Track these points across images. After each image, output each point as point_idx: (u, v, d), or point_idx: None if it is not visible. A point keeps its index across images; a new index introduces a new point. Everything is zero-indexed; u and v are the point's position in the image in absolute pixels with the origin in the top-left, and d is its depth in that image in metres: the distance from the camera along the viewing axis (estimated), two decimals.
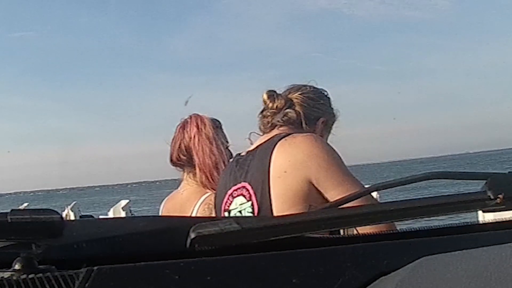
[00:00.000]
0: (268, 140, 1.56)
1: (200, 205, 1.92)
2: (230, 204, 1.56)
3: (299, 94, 1.64)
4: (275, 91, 1.66)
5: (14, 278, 0.52)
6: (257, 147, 1.58)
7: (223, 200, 1.60)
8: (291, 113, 1.61)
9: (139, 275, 0.54)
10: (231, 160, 1.73)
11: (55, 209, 0.61)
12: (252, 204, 1.49)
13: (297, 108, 1.62)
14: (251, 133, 1.69)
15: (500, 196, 0.64)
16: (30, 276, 0.52)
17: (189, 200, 1.98)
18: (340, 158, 1.48)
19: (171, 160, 2.05)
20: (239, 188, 1.54)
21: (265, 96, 1.65)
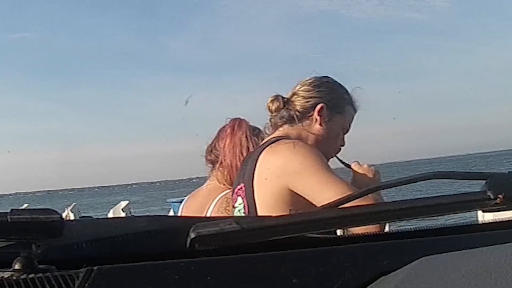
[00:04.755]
0: (262, 144, 1.63)
1: (217, 201, 1.97)
2: (235, 201, 1.65)
3: (298, 89, 1.68)
4: (278, 95, 1.70)
5: (14, 278, 0.52)
6: (256, 149, 1.65)
7: (232, 196, 1.69)
8: (285, 112, 1.66)
9: (139, 275, 0.54)
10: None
11: (55, 209, 0.61)
12: (244, 207, 1.58)
13: (295, 103, 1.66)
14: (262, 136, 1.78)
15: (500, 196, 0.64)
16: (30, 276, 0.52)
17: (210, 194, 2.04)
18: (321, 162, 1.50)
19: (206, 156, 2.12)
20: (240, 188, 1.62)
21: (268, 101, 1.71)
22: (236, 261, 0.59)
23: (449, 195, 0.68)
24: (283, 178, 1.48)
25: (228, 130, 2.01)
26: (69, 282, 0.52)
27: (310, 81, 1.69)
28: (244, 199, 1.57)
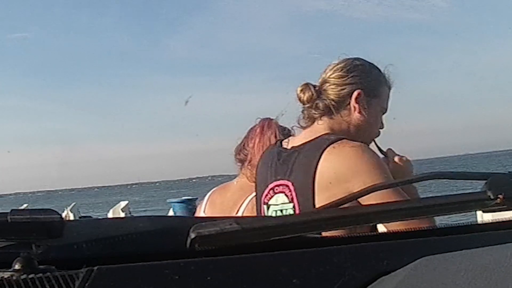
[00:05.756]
0: (314, 139, 1.51)
1: (251, 199, 1.93)
2: (270, 198, 1.55)
3: (329, 75, 1.58)
4: (308, 83, 1.60)
5: (14, 278, 0.52)
6: (302, 144, 1.54)
7: (263, 192, 1.58)
8: (320, 103, 1.56)
9: (139, 275, 0.54)
10: (271, 149, 1.68)
11: (55, 210, 0.61)
12: (294, 207, 1.47)
13: (329, 92, 1.56)
14: (292, 126, 1.66)
15: (500, 196, 0.64)
16: (30, 276, 0.52)
17: (241, 190, 2.01)
18: (386, 170, 1.45)
19: (235, 155, 2.10)
20: (281, 185, 1.52)
21: (298, 91, 1.60)
22: (236, 261, 0.59)
23: (449, 195, 0.68)
24: (350, 185, 1.39)
25: (258, 130, 2.00)
26: (69, 282, 0.52)
27: (341, 65, 1.57)
28: (295, 199, 1.46)
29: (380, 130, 1.63)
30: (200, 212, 2.13)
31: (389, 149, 1.64)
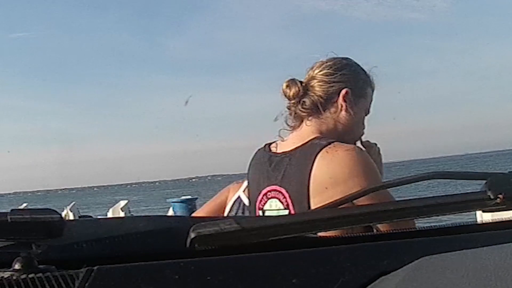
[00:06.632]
0: (305, 144, 1.50)
1: None
2: (264, 203, 1.54)
3: (317, 73, 1.56)
4: (293, 79, 1.58)
5: (14, 278, 0.52)
6: (294, 149, 1.52)
7: (257, 197, 1.57)
8: (307, 100, 1.54)
9: (139, 275, 0.54)
10: (261, 153, 1.64)
11: (54, 209, 0.61)
12: (290, 213, 1.45)
13: (316, 89, 1.54)
14: (280, 130, 1.61)
15: (500, 196, 0.64)
16: (30, 276, 0.52)
17: None
18: (379, 174, 1.45)
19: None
20: (274, 190, 1.51)
21: (284, 86, 1.58)
22: (236, 261, 0.59)
23: (449, 195, 0.68)
24: (347, 189, 1.35)
25: None
26: (69, 282, 0.52)
27: (330, 63, 1.56)
28: (291, 206, 1.45)
29: (363, 131, 1.63)
30: (239, 191, 1.88)
31: (366, 141, 1.65)
